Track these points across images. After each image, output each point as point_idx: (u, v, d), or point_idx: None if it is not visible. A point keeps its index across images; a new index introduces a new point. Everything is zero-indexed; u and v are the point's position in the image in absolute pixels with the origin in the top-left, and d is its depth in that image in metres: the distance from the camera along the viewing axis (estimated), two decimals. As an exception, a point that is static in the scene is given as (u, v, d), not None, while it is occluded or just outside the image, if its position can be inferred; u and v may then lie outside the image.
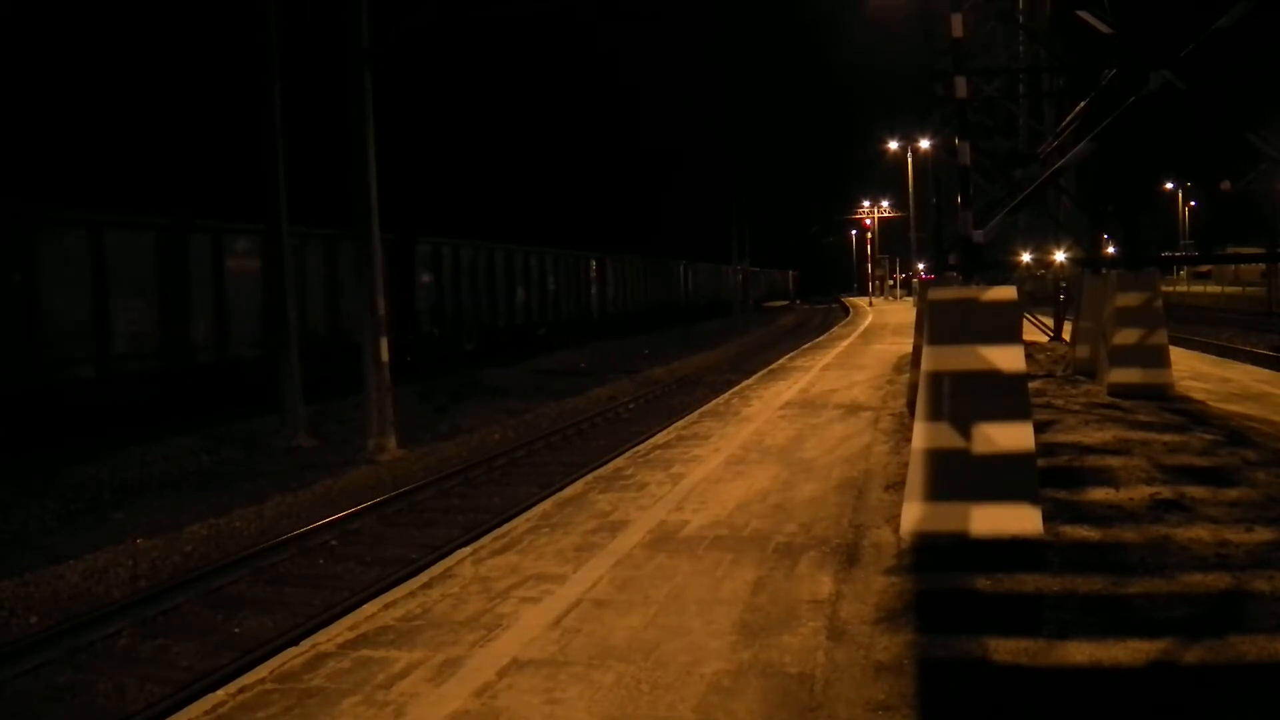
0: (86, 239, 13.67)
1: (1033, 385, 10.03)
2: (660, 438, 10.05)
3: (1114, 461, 6.91)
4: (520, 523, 6.58)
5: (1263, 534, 5.15)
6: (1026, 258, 14.42)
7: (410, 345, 21.74)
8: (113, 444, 12.62)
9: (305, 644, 4.46)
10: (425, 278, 22.92)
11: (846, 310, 53.09)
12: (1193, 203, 68.14)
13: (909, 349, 14.67)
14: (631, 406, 17.27)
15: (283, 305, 13.61)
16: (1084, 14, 6.31)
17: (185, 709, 3.90)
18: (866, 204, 74.38)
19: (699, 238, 69.76)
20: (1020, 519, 5.25)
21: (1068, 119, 11.16)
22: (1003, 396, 5.45)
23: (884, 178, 67.54)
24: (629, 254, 41.80)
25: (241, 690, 3.95)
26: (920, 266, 38.96)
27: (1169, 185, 65.11)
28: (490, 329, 26.17)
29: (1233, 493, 5.99)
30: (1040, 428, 7.58)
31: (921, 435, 5.55)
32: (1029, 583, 4.64)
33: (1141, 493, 6.05)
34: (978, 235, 6.05)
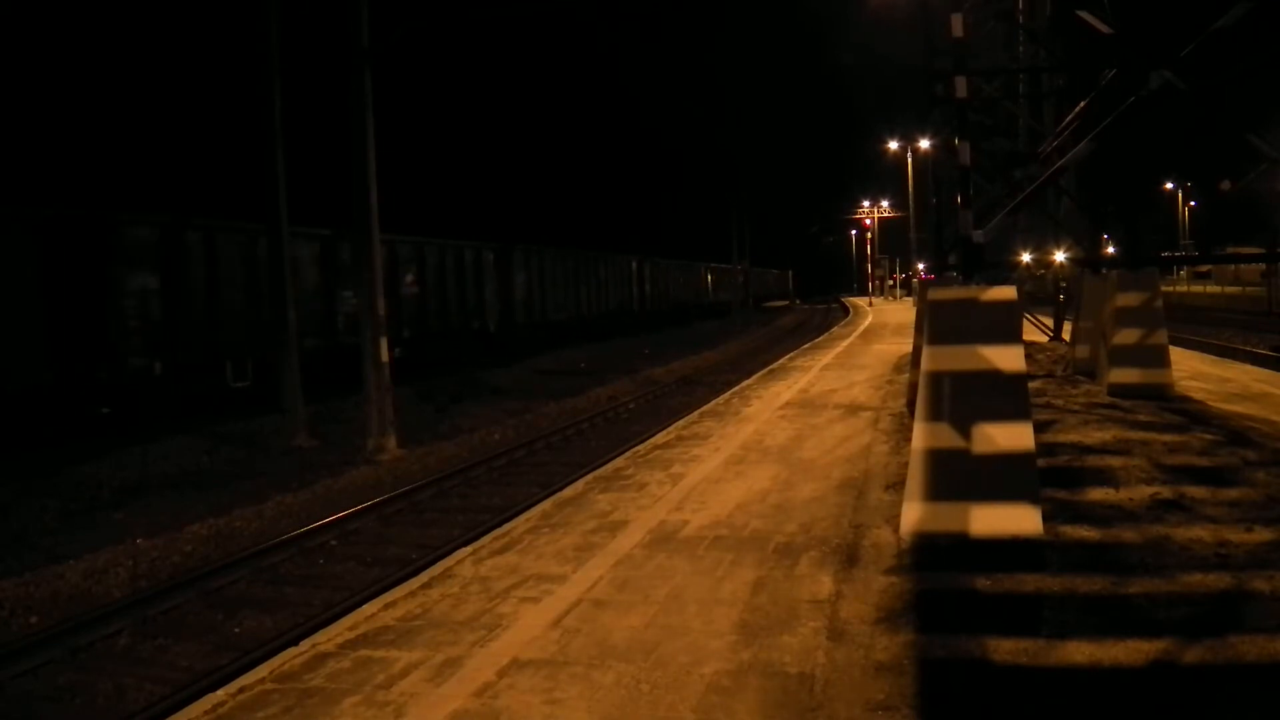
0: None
1: (1033, 385, 10.03)
2: (660, 438, 10.05)
3: (1114, 461, 6.91)
4: (520, 523, 6.59)
5: (1263, 534, 5.15)
6: (1026, 258, 14.42)
7: (106, 391, 13.90)
8: (113, 443, 12.63)
9: (305, 644, 4.46)
10: (143, 280, 14.44)
11: (846, 310, 53.08)
12: (1193, 203, 68.11)
13: (909, 349, 14.66)
14: (631, 406, 17.27)
15: (283, 306, 13.63)
16: (1084, 14, 6.29)
17: (185, 709, 3.90)
18: (866, 204, 74.48)
19: (698, 238, 69.69)
20: (1020, 519, 5.25)
21: (1068, 119, 11.15)
22: (1003, 396, 5.45)
23: (884, 177, 67.59)
24: (556, 246, 32.78)
25: (241, 690, 3.95)
26: (920, 266, 38.88)
27: (1169, 185, 65.07)
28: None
29: (1233, 493, 5.99)
30: (1040, 428, 7.58)
31: (921, 435, 5.55)
32: (1029, 583, 4.64)
33: (1141, 493, 6.05)
34: (978, 235, 6.04)
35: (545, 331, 30.22)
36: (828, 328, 35.24)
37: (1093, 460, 7.02)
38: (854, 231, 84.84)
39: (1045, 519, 5.32)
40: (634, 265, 41.95)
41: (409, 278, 22.28)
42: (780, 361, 19.23)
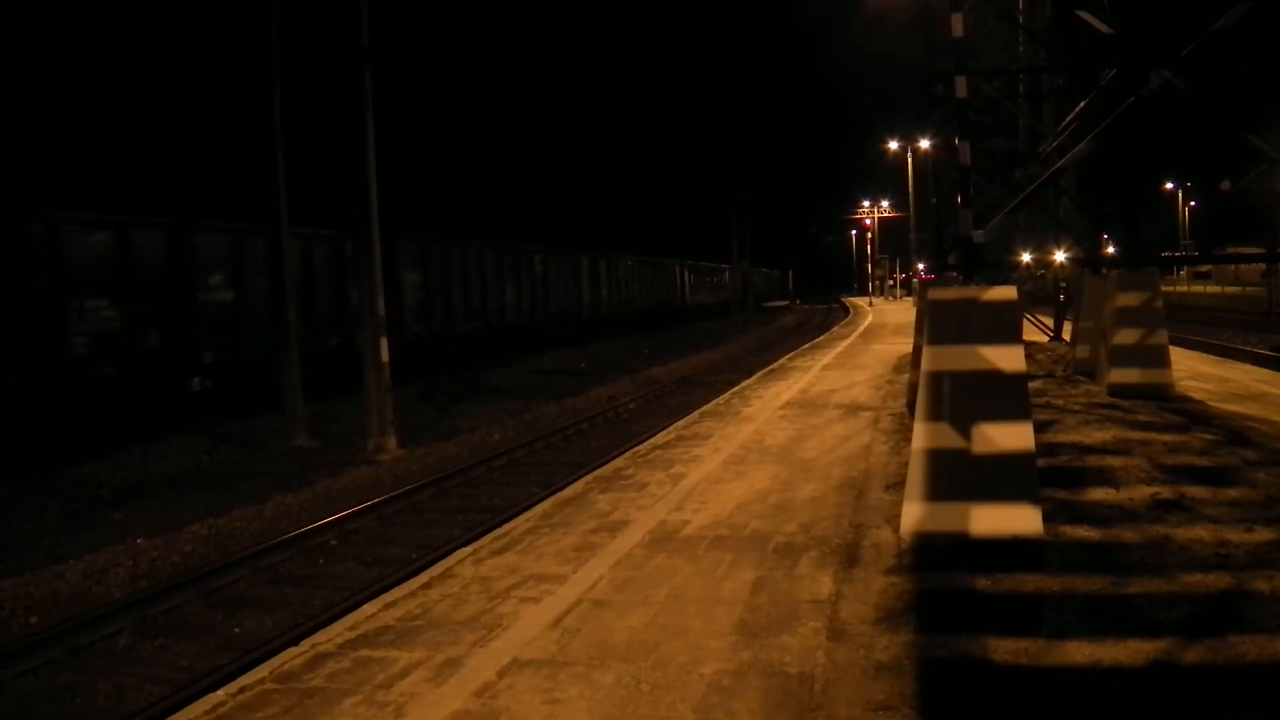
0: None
1: (1033, 385, 10.03)
2: (660, 438, 10.05)
3: (1114, 461, 6.91)
4: (520, 523, 6.59)
5: (1263, 534, 5.15)
6: (1026, 258, 14.42)
7: None
8: (113, 443, 12.63)
9: (305, 644, 4.46)
10: None
11: (846, 310, 53.07)
12: (1193, 203, 68.11)
13: (909, 349, 14.66)
14: (631, 406, 17.26)
15: (283, 305, 13.63)
16: (1084, 14, 6.29)
17: (185, 709, 3.90)
18: (866, 204, 74.55)
19: (697, 238, 69.71)
20: (1020, 519, 5.25)
21: (1068, 119, 11.15)
22: (1003, 396, 5.45)
23: (884, 177, 67.65)
24: (469, 237, 26.16)
25: (241, 690, 3.95)
26: (920, 266, 38.85)
27: (1169, 185, 65.06)
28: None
29: (1233, 493, 5.99)
30: (1040, 428, 7.58)
31: (921, 435, 5.55)
32: (1029, 583, 4.64)
33: (1141, 493, 6.05)
34: (978, 235, 6.04)
35: (452, 345, 24.06)
36: (828, 328, 35.23)
37: (1093, 460, 7.02)
38: (854, 231, 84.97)
39: (1045, 519, 5.32)
40: (584, 262, 35.65)
41: (217, 278, 15.75)
42: (780, 361, 19.23)
